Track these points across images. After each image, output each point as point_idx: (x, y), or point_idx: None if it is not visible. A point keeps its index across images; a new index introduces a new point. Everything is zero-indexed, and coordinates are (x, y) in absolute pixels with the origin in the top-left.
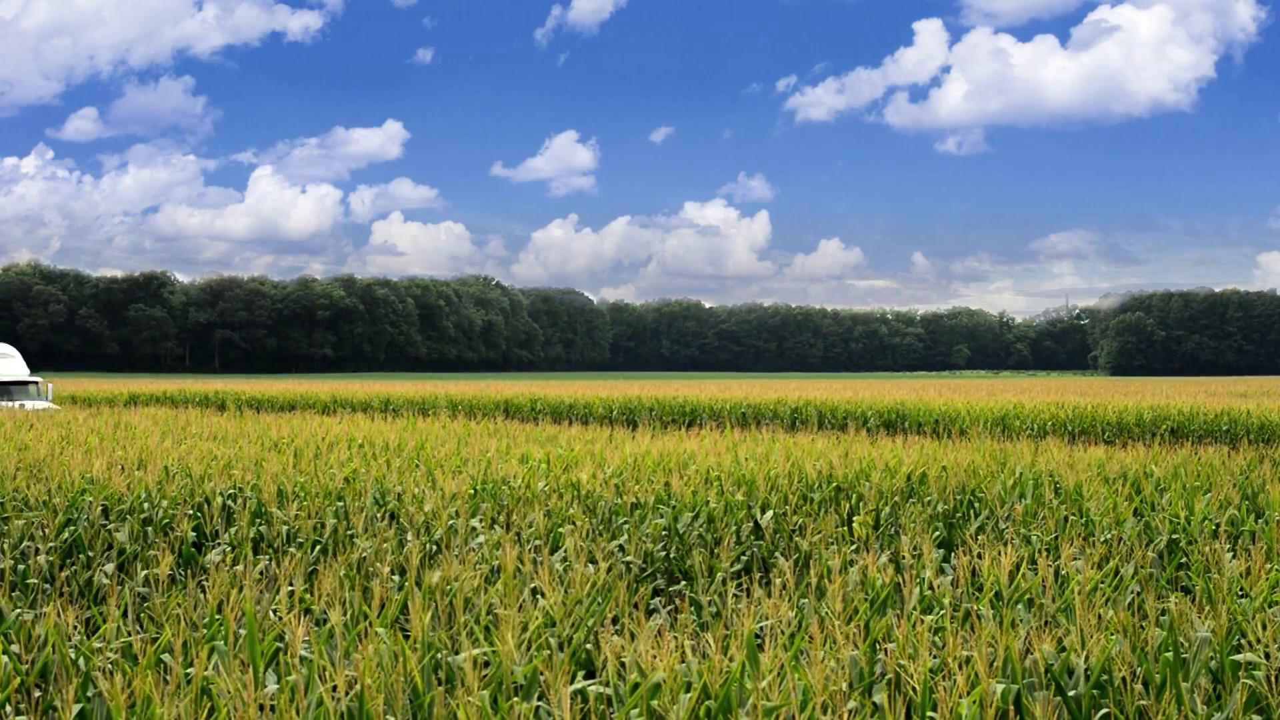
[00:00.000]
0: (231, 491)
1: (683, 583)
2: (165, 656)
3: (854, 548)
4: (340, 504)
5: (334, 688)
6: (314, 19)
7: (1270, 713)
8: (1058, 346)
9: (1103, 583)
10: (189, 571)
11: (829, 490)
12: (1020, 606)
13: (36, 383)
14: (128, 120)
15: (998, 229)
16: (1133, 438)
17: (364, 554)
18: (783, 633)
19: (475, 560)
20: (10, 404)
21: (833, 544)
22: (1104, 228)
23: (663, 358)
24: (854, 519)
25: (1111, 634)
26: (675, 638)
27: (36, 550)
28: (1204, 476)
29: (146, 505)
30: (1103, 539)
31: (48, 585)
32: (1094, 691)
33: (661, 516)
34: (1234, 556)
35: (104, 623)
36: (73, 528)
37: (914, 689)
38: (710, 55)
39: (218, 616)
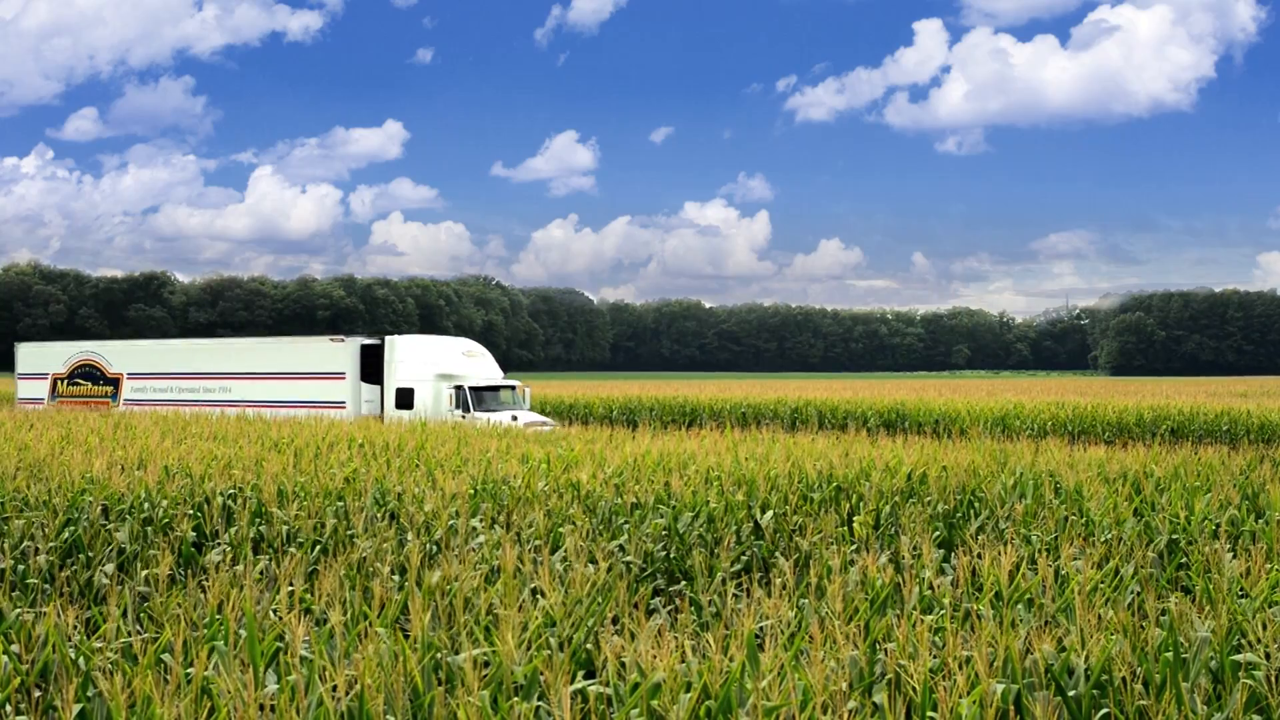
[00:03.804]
0: (231, 491)
1: (683, 583)
2: (165, 656)
3: (854, 548)
4: (340, 504)
5: (334, 688)
6: (314, 19)
7: (1270, 713)
8: (1058, 346)
9: (1103, 583)
10: (189, 571)
11: (829, 490)
12: (1020, 606)
13: (514, 387)
14: (128, 120)
15: (998, 229)
16: (1133, 438)
17: (364, 554)
18: (783, 633)
19: (475, 560)
20: (491, 416)
21: (833, 544)
22: (1104, 228)
23: (663, 358)
24: (854, 519)
25: (1111, 634)
26: (675, 638)
27: (36, 550)
28: (1204, 476)
29: (146, 505)
30: (1103, 539)
31: (48, 585)
32: (1094, 691)
33: (661, 516)
34: (1234, 556)
35: (104, 623)
36: (73, 528)
37: (914, 689)
38: (710, 55)
39: (218, 616)
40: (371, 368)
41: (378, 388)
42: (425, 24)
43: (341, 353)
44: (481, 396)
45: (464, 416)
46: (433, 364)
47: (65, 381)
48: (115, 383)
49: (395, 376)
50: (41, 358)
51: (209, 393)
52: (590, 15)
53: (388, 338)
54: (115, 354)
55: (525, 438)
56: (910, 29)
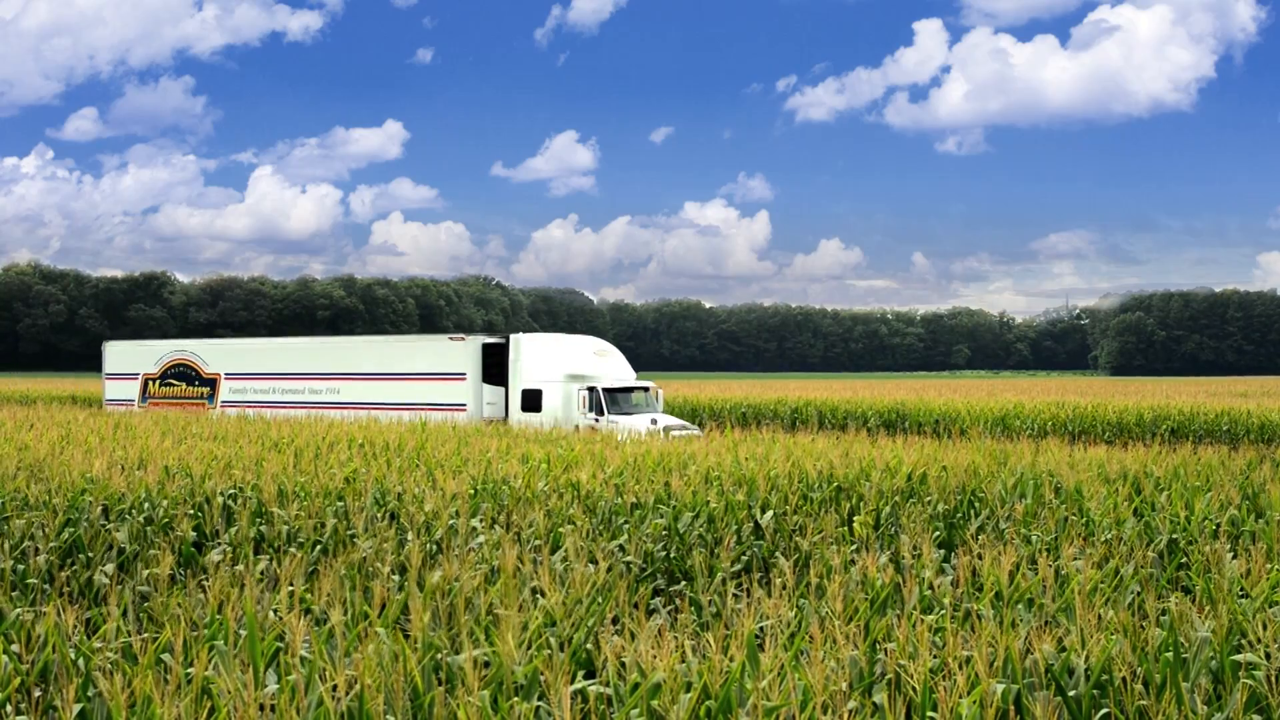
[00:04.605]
0: (232, 491)
1: (683, 583)
2: (165, 656)
3: (854, 548)
4: (340, 504)
5: (334, 688)
6: (314, 19)
7: (1270, 713)
8: (1058, 346)
9: (1103, 583)
10: (189, 571)
11: (829, 490)
12: (1020, 606)
13: (647, 389)
14: (128, 120)
15: (998, 229)
16: (1133, 438)
17: (364, 554)
18: (783, 633)
19: (475, 560)
20: (626, 420)
21: (833, 544)
22: (1104, 228)
23: (663, 358)
24: (854, 519)
25: (1111, 634)
26: (675, 638)
27: (36, 550)
28: (1204, 476)
29: (147, 505)
30: (1103, 539)
31: (47, 585)
32: (1094, 691)
33: (661, 516)
34: (1234, 556)
35: (104, 623)
36: (73, 528)
37: (914, 689)
38: (710, 55)
39: (218, 616)
40: (494, 368)
41: (501, 389)
42: (425, 24)
43: (461, 352)
44: (615, 398)
45: (596, 420)
46: (562, 364)
47: (157, 382)
48: (212, 383)
49: (521, 377)
50: (132, 357)
51: (315, 394)
52: (590, 15)
53: (512, 336)
54: (212, 353)
55: (526, 438)
56: (910, 29)
